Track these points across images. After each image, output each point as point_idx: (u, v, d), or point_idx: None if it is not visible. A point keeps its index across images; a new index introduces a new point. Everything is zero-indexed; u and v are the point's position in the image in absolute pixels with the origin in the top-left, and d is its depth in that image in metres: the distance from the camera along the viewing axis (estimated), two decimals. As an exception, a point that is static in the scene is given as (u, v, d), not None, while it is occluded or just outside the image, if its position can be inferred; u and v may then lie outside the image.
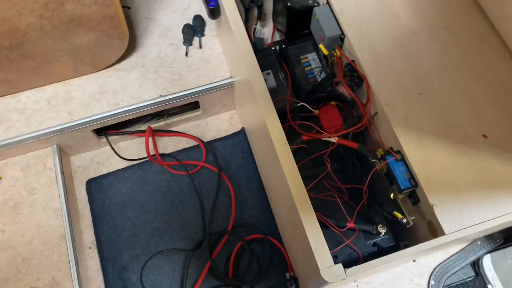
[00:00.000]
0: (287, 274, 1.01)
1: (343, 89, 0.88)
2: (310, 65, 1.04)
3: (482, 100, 0.84)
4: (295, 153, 0.89)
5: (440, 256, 1.01)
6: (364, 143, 0.91)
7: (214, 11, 1.01)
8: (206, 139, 1.23)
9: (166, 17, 1.22)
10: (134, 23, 1.21)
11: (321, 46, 0.93)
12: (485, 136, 0.80)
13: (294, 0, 0.98)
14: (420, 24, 0.92)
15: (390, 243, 0.83)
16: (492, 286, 1.19)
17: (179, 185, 1.16)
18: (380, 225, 0.82)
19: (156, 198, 1.15)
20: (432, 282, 1.04)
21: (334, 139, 0.87)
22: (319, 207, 0.81)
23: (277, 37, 1.19)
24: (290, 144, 0.83)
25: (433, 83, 0.85)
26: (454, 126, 0.81)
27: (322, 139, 0.88)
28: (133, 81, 1.13)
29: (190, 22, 1.19)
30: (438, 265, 1.04)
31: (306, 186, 0.77)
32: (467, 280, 1.18)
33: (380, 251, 0.83)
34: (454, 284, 1.16)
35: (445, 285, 1.08)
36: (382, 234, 0.82)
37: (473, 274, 1.19)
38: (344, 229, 0.82)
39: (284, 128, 0.84)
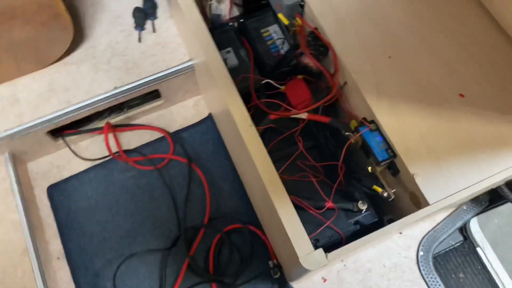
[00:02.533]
0: (270, 262, 0.96)
1: (308, 60, 0.81)
2: (272, 38, 0.97)
3: (455, 57, 0.79)
4: (263, 134, 0.83)
5: (426, 225, 0.97)
6: (336, 116, 0.85)
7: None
8: (172, 130, 1.16)
9: (114, 2, 1.13)
10: (79, 11, 1.12)
11: (280, 16, 0.86)
12: (461, 95, 0.75)
13: (248, -30, 0.91)
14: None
15: (373, 219, 0.78)
16: (481, 249, 1.17)
17: (148, 182, 1.09)
18: (361, 201, 0.77)
19: (124, 197, 1.08)
20: (421, 253, 1.00)
21: (303, 116, 0.80)
22: (294, 189, 0.75)
23: (236, 12, 1.11)
24: (257, 125, 0.76)
25: (402, 44, 0.79)
26: (428, 88, 0.76)
27: (291, 116, 0.81)
28: (85, 74, 1.04)
29: (140, 5, 1.10)
30: (426, 235, 1.00)
31: (278, 168, 0.71)
32: (455, 245, 1.16)
33: (363, 229, 0.78)
34: (443, 251, 1.13)
35: (434, 253, 1.05)
36: (364, 210, 0.77)
37: (461, 239, 1.17)
38: (323, 210, 0.76)
39: (249, 109, 0.77)
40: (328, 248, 0.72)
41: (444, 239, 1.05)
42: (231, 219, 1.03)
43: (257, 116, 0.84)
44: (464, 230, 1.15)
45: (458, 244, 1.15)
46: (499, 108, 0.74)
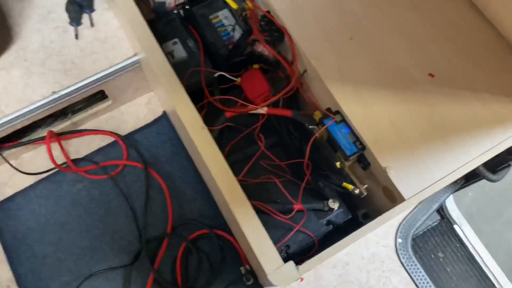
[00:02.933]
0: (242, 268, 0.89)
1: (262, 48, 0.73)
2: (223, 24, 0.87)
3: (423, 34, 0.72)
4: (220, 134, 0.75)
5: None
6: (298, 107, 0.77)
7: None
8: (124, 132, 1.06)
9: (43, -5, 1.00)
10: (4, 8, 0.99)
11: (228, 0, 0.77)
12: (431, 75, 0.69)
13: (187, -51, 0.81)
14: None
15: (346, 217, 0.72)
16: (458, 226, 1.14)
17: (102, 192, 1.00)
18: (331, 200, 0.70)
19: (77, 212, 0.98)
20: (399, 240, 0.96)
21: (263, 110, 0.72)
22: (259, 192, 0.69)
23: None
24: (212, 125, 0.68)
25: (363, 23, 0.72)
26: (395, 70, 0.69)
27: (250, 112, 0.73)
28: (16, 80, 0.93)
29: (74, -4, 0.98)
30: (403, 220, 0.95)
31: (239, 171, 0.64)
32: (433, 225, 1.12)
33: (336, 228, 0.72)
34: (421, 232, 1.09)
35: (412, 237, 1.01)
36: (336, 209, 0.70)
37: (438, 218, 1.13)
38: (292, 213, 0.69)
39: (202, 107, 0.69)
40: (300, 253, 0.66)
41: (422, 223, 1.01)
42: (196, 225, 0.95)
43: (212, 114, 0.76)
44: (440, 209, 1.11)
45: (435, 223, 1.12)
46: (472, 86, 0.68)
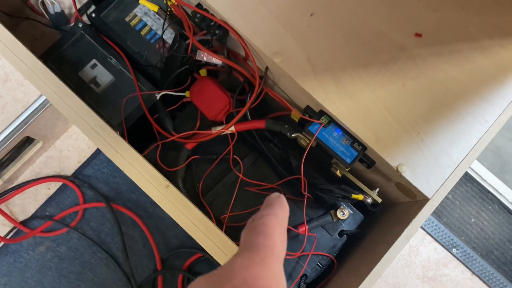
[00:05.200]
0: None
1: (206, 56, 0.57)
2: (145, 24, 0.70)
3: (392, -18, 0.58)
4: (188, 168, 0.62)
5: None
6: (269, 110, 0.64)
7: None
8: (70, 172, 0.91)
9: None
10: None
11: (143, 2, 0.59)
12: (418, 34, 0.56)
13: None
14: None
15: (359, 221, 0.62)
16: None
17: (70, 247, 0.87)
18: (339, 209, 0.60)
19: (50, 278, 0.85)
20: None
21: (231, 129, 0.59)
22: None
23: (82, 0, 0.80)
24: (173, 164, 0.55)
25: (321, -11, 0.57)
26: (374, 41, 0.56)
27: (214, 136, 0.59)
28: None
29: None
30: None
31: (223, 207, 0.52)
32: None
33: (352, 236, 0.62)
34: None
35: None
36: (347, 216, 0.60)
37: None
38: (297, 235, 0.59)
39: (153, 141, 0.55)
40: (321, 275, 0.57)
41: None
42: (187, 252, 0.85)
43: (168, 148, 0.61)
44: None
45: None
46: (465, 35, 0.56)
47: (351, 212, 0.62)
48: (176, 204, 0.51)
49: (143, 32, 0.69)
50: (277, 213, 0.30)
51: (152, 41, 0.69)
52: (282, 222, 0.30)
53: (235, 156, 0.61)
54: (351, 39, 0.55)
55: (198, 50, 0.57)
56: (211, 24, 0.56)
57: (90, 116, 0.54)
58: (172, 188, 0.51)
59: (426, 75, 0.55)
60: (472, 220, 1.12)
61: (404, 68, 0.55)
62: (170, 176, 0.60)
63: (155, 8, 0.58)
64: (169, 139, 0.59)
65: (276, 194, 0.32)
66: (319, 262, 0.60)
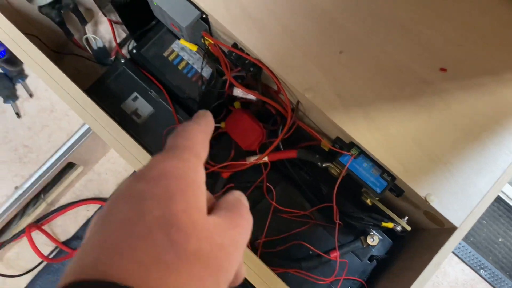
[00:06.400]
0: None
1: (242, 92, 0.61)
2: (182, 58, 0.74)
3: (415, 21, 0.61)
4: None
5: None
6: (299, 138, 0.67)
7: (12, 61, 0.67)
8: (108, 194, 0.95)
9: (-39, 80, 0.85)
10: None
11: (183, 42, 0.63)
12: (443, 69, 0.59)
13: (113, -11, 0.65)
14: None
15: (389, 246, 0.65)
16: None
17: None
18: (368, 235, 0.62)
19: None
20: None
21: (264, 159, 0.62)
22: (286, 251, 0.60)
23: (121, 31, 0.86)
24: (211, 190, 0.58)
25: (347, 27, 0.60)
26: (400, 75, 0.59)
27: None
28: (-31, 188, 0.80)
29: (-1, 70, 0.83)
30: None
31: (257, 233, 0.56)
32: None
33: (381, 261, 0.64)
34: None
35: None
36: (376, 242, 0.63)
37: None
38: (329, 261, 0.62)
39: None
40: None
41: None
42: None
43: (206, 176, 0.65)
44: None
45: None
46: (489, 68, 0.59)
47: (381, 237, 0.64)
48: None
49: (180, 66, 0.74)
50: (200, 123, 0.30)
51: (189, 74, 0.74)
52: (205, 130, 0.30)
53: (268, 184, 0.65)
54: (378, 74, 0.59)
55: (234, 87, 0.61)
56: (246, 62, 0.61)
57: (132, 144, 0.59)
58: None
59: (451, 108, 0.58)
60: (500, 239, 1.13)
61: (429, 101, 0.58)
62: (208, 203, 0.64)
63: (194, 47, 0.63)
64: (209, 170, 0.63)
65: (203, 110, 0.32)
66: (350, 287, 0.63)
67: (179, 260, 0.22)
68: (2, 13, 0.65)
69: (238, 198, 0.29)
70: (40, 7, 0.72)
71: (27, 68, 0.84)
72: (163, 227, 0.22)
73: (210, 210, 0.27)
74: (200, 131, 0.29)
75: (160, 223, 0.22)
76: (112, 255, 0.21)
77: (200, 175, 0.26)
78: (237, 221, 0.27)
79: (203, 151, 0.28)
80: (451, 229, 0.55)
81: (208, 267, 0.23)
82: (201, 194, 0.25)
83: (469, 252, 0.99)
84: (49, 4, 0.72)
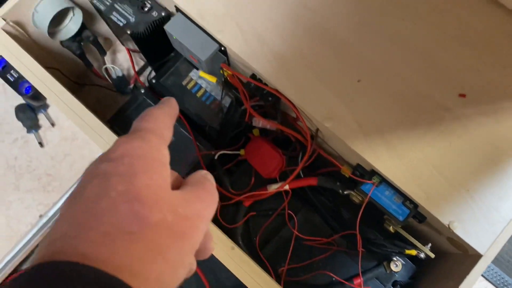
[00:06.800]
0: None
1: (261, 122, 0.62)
2: (200, 86, 0.76)
3: (433, 46, 0.61)
4: (245, 225, 0.66)
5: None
6: (320, 163, 0.68)
7: (37, 96, 0.69)
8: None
9: (-14, 111, 0.87)
10: None
11: (203, 74, 0.65)
12: (462, 95, 0.59)
13: (132, 23, 0.67)
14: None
15: (412, 271, 0.64)
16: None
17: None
18: (392, 261, 0.62)
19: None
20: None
21: (285, 187, 0.63)
22: (309, 279, 0.61)
23: (138, 59, 0.88)
24: (232, 220, 0.59)
25: (364, 55, 0.61)
26: (419, 102, 0.59)
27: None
28: (-5, 218, 0.82)
29: (22, 100, 0.86)
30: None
31: (280, 262, 0.56)
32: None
33: (405, 286, 0.64)
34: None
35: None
36: (400, 268, 0.63)
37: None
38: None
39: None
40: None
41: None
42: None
43: (226, 206, 0.66)
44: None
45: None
46: (510, 93, 0.59)
47: (404, 263, 0.64)
48: (241, 264, 0.55)
49: (198, 94, 0.75)
50: (163, 107, 0.31)
51: (207, 102, 0.75)
52: (168, 113, 0.31)
53: (289, 211, 0.65)
54: (397, 101, 0.59)
55: (254, 118, 0.62)
56: (264, 92, 0.61)
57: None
58: (237, 249, 0.55)
59: (472, 134, 0.57)
60: (523, 254, 1.11)
61: (450, 128, 0.58)
62: (228, 230, 0.65)
63: (213, 79, 0.64)
64: (232, 201, 0.64)
65: (166, 97, 0.33)
66: (374, 313, 0.63)
67: (143, 230, 0.23)
68: (26, 50, 0.67)
69: (204, 176, 0.30)
70: (62, 42, 0.74)
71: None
72: (127, 201, 0.23)
73: (177, 188, 0.28)
74: (163, 114, 0.30)
75: (124, 198, 0.23)
76: (80, 228, 0.22)
77: (164, 155, 0.28)
78: (202, 195, 0.28)
79: (167, 133, 0.29)
80: (476, 256, 0.55)
81: (172, 236, 0.24)
82: (165, 171, 0.27)
83: (492, 269, 0.98)
84: (70, 38, 0.73)
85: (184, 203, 0.26)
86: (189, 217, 0.26)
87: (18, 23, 0.67)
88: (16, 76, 0.70)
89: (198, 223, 0.26)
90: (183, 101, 0.74)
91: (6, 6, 0.64)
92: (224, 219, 0.65)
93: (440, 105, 0.59)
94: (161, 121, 0.29)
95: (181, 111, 0.74)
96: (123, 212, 0.23)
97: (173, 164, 0.71)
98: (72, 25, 0.72)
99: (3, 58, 0.65)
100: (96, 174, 0.25)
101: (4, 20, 0.65)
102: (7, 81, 0.70)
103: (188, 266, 0.26)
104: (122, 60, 0.88)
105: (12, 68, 0.68)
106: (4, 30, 0.65)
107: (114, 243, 0.22)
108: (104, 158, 0.26)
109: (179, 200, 0.26)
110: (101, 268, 0.21)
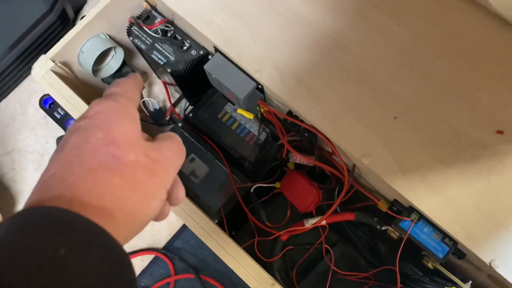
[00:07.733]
0: None
1: (298, 158, 0.63)
2: (235, 119, 0.78)
3: (467, 84, 0.62)
4: (284, 258, 0.67)
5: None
6: (357, 198, 0.68)
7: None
8: (161, 244, 0.98)
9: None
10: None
11: (240, 111, 0.67)
12: (500, 132, 0.59)
13: (172, 61, 0.70)
14: (343, 21, 0.67)
15: (450, 307, 0.64)
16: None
17: (164, 320, 0.93)
18: (430, 297, 0.62)
19: None
20: None
21: (322, 222, 0.64)
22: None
23: (173, 91, 0.91)
24: (269, 254, 0.60)
25: (400, 93, 0.62)
26: (456, 139, 0.59)
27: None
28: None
29: (63, 132, 0.89)
30: None
31: None
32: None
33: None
34: None
35: None
36: (437, 304, 0.63)
37: None
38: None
39: (247, 231, 0.61)
40: None
41: None
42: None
43: (264, 241, 0.67)
44: None
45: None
46: (548, 129, 0.59)
47: (442, 297, 0.64)
48: (281, 300, 0.56)
49: (233, 127, 0.77)
50: (129, 78, 0.36)
51: (242, 134, 0.76)
52: (134, 82, 0.36)
53: (326, 246, 0.66)
54: (434, 139, 0.60)
55: (291, 154, 0.63)
56: (301, 128, 0.63)
57: (192, 210, 0.62)
58: (277, 286, 0.56)
59: (510, 170, 0.58)
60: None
61: (488, 165, 0.58)
62: (265, 264, 0.66)
63: (250, 116, 0.66)
64: (271, 237, 0.65)
65: (132, 73, 0.40)
66: None
67: (120, 167, 0.28)
68: (70, 87, 0.70)
69: (171, 133, 0.35)
70: (103, 79, 0.77)
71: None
72: (105, 145, 0.28)
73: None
74: (129, 83, 0.35)
75: (102, 142, 0.29)
76: (66, 166, 0.27)
77: (133, 111, 0.33)
78: (170, 145, 0.33)
79: (134, 96, 0.35)
80: (519, 295, 0.55)
81: (145, 173, 0.30)
82: (136, 125, 0.32)
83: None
84: (111, 75, 0.77)
85: (155, 149, 0.31)
86: (160, 160, 0.31)
87: (65, 64, 0.71)
88: (62, 113, 0.73)
89: (168, 166, 0.32)
90: (219, 134, 0.76)
91: (55, 49, 0.68)
92: (261, 253, 0.66)
93: (478, 142, 0.59)
94: (128, 87, 0.34)
95: (217, 144, 0.76)
96: (102, 153, 0.28)
97: (209, 196, 0.73)
98: (113, 63, 0.75)
99: (50, 97, 0.68)
100: (77, 128, 0.30)
101: (53, 61, 0.69)
102: (54, 118, 0.73)
103: (160, 202, 0.31)
104: (158, 92, 0.91)
105: (59, 106, 0.71)
106: (52, 71, 0.69)
107: (97, 176, 0.27)
108: (82, 117, 0.31)
109: (150, 147, 0.31)
110: (85, 198, 0.26)
